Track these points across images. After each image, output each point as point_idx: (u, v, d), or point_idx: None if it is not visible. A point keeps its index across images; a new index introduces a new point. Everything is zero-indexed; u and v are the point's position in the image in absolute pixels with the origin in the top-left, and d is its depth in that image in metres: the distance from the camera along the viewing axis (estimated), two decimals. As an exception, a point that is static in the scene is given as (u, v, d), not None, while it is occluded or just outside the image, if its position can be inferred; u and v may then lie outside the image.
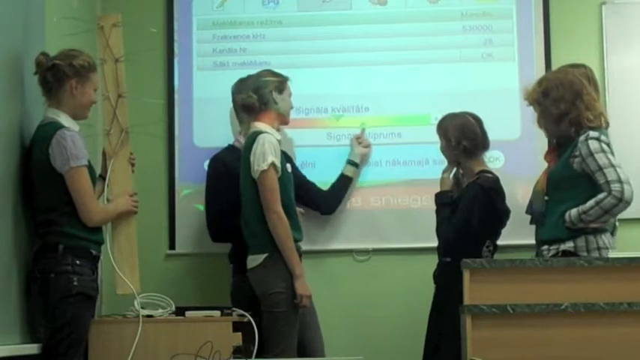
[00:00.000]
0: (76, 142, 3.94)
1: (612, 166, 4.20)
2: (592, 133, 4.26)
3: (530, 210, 4.47)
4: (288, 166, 4.67)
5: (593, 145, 4.24)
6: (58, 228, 3.93)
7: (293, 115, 4.95)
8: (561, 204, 4.27)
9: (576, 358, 3.96)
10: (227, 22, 5.44)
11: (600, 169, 4.20)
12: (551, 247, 4.29)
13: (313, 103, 5.37)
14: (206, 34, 5.43)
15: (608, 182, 4.18)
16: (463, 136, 4.74)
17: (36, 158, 3.97)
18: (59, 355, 3.87)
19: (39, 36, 4.20)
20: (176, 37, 5.41)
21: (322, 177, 5.25)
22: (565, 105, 4.32)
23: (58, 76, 4.00)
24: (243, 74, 5.20)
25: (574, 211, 4.22)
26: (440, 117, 5.04)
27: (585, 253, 4.22)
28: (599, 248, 4.24)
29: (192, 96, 5.38)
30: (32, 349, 3.88)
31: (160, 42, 5.40)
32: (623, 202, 4.17)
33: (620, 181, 4.18)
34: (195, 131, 5.34)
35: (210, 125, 5.30)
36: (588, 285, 4.00)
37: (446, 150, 4.81)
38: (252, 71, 5.01)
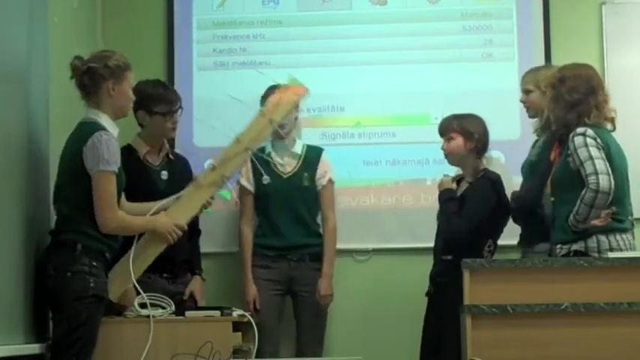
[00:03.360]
0: (111, 147, 3.94)
1: (591, 158, 4.17)
2: (578, 130, 4.25)
3: (542, 213, 4.47)
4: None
5: (578, 140, 4.23)
6: (76, 226, 3.93)
7: None
8: (566, 205, 4.25)
9: (576, 358, 3.95)
10: (227, 22, 5.45)
11: (582, 163, 4.19)
12: (563, 247, 4.28)
13: (313, 103, 5.36)
14: (206, 34, 5.44)
15: (586, 176, 4.17)
16: (482, 131, 4.74)
17: (69, 153, 4.00)
18: (72, 355, 3.86)
19: (43, 35, 4.20)
20: (176, 37, 5.41)
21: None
22: (578, 95, 4.32)
23: (95, 78, 4.03)
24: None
25: (571, 215, 4.22)
26: (440, 117, 5.06)
27: (597, 254, 4.18)
28: (611, 249, 4.19)
29: (192, 96, 5.38)
30: (35, 348, 3.87)
31: (160, 42, 5.41)
32: (600, 193, 4.12)
33: (595, 172, 4.15)
34: (195, 131, 5.35)
35: (210, 125, 5.30)
36: (588, 285, 4.00)
37: (463, 145, 4.75)
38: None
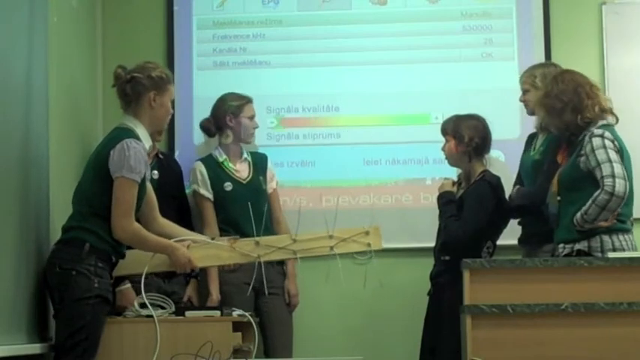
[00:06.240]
0: (138, 156, 3.96)
1: (609, 161, 4.17)
2: (596, 131, 4.25)
3: (546, 212, 4.47)
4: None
5: (596, 142, 4.22)
6: (88, 225, 3.94)
7: (294, 113, 5.29)
8: (572, 205, 4.25)
9: (576, 358, 3.96)
10: (227, 21, 5.44)
11: (598, 164, 4.18)
12: (566, 246, 4.27)
13: (313, 102, 5.38)
14: (206, 33, 5.43)
15: (602, 178, 4.16)
16: (476, 135, 4.75)
17: (97, 153, 4.04)
18: (76, 357, 3.87)
19: (43, 35, 4.20)
20: (176, 37, 5.41)
21: (322, 176, 5.27)
22: (567, 96, 4.31)
23: (137, 88, 4.07)
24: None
25: (578, 214, 4.21)
26: (440, 116, 5.08)
27: (599, 254, 4.18)
28: (614, 249, 4.19)
29: (192, 96, 5.39)
30: (37, 348, 3.88)
31: (160, 42, 5.40)
32: (615, 196, 4.12)
33: (612, 175, 4.14)
34: (195, 131, 5.35)
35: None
36: (588, 285, 4.00)
37: (454, 148, 4.78)
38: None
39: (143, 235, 4.04)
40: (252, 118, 5.09)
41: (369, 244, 4.29)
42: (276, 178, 5.19)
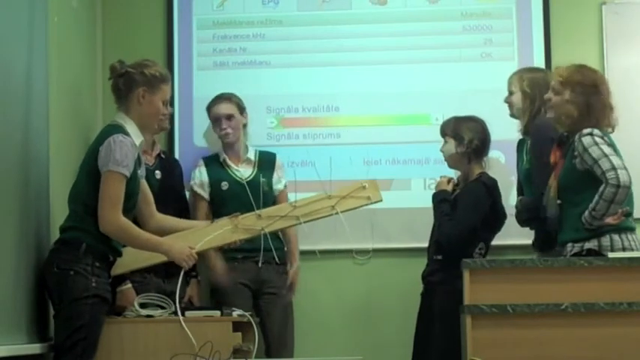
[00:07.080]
0: (125, 149, 3.94)
1: (605, 155, 4.18)
2: (585, 131, 4.26)
3: (544, 214, 4.46)
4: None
5: (586, 140, 4.23)
6: (84, 225, 3.94)
7: (294, 113, 5.29)
8: (577, 207, 4.25)
9: (576, 358, 3.96)
10: (227, 21, 5.45)
11: (595, 161, 4.19)
12: (576, 245, 4.26)
13: (313, 102, 5.38)
14: (206, 33, 5.43)
15: (603, 172, 4.16)
16: (476, 136, 4.75)
17: (88, 152, 4.04)
18: (75, 356, 3.87)
19: (43, 35, 4.20)
20: (176, 36, 5.41)
21: (322, 176, 5.26)
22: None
23: (129, 83, 4.07)
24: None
25: (586, 212, 4.20)
26: (440, 117, 5.08)
27: (610, 253, 4.16)
28: (624, 248, 4.19)
29: (192, 96, 5.39)
30: (37, 348, 3.88)
31: (160, 42, 5.41)
32: (621, 187, 4.12)
33: (613, 167, 4.15)
34: (195, 131, 5.35)
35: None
36: (588, 285, 4.00)
37: (453, 149, 4.79)
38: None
39: (130, 229, 3.99)
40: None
41: (368, 198, 4.33)
42: (284, 179, 5.14)
